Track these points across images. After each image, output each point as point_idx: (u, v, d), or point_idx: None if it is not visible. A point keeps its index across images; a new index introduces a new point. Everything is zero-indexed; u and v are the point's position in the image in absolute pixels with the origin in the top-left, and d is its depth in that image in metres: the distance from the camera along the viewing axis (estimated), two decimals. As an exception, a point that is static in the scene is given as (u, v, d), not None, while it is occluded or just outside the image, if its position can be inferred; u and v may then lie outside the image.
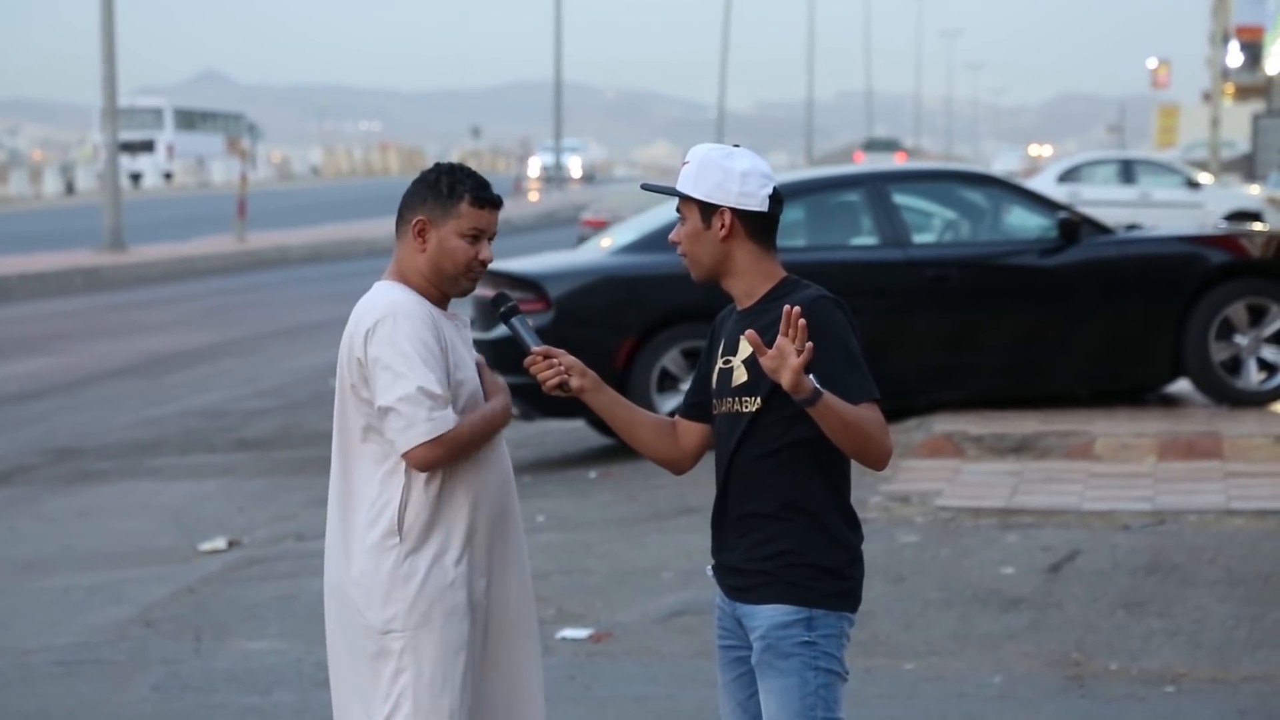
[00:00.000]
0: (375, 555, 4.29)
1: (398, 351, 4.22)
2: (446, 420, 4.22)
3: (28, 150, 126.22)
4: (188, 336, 21.30)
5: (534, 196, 60.69)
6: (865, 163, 52.48)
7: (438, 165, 4.41)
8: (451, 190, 4.34)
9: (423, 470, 4.27)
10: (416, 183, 4.40)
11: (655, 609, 8.26)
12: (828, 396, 4.00)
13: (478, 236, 4.35)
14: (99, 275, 30.12)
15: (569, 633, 7.97)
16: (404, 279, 4.37)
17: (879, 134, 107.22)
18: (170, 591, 9.09)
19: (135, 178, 67.23)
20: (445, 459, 4.25)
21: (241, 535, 10.47)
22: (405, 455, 4.24)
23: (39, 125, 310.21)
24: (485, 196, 4.36)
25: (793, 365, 3.91)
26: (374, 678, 4.32)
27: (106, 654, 7.96)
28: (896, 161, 60.33)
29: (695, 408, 4.38)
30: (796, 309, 3.94)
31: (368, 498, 4.32)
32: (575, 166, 78.20)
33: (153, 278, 31.14)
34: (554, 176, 67.52)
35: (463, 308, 4.40)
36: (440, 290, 4.38)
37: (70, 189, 63.82)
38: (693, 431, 4.39)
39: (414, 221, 4.35)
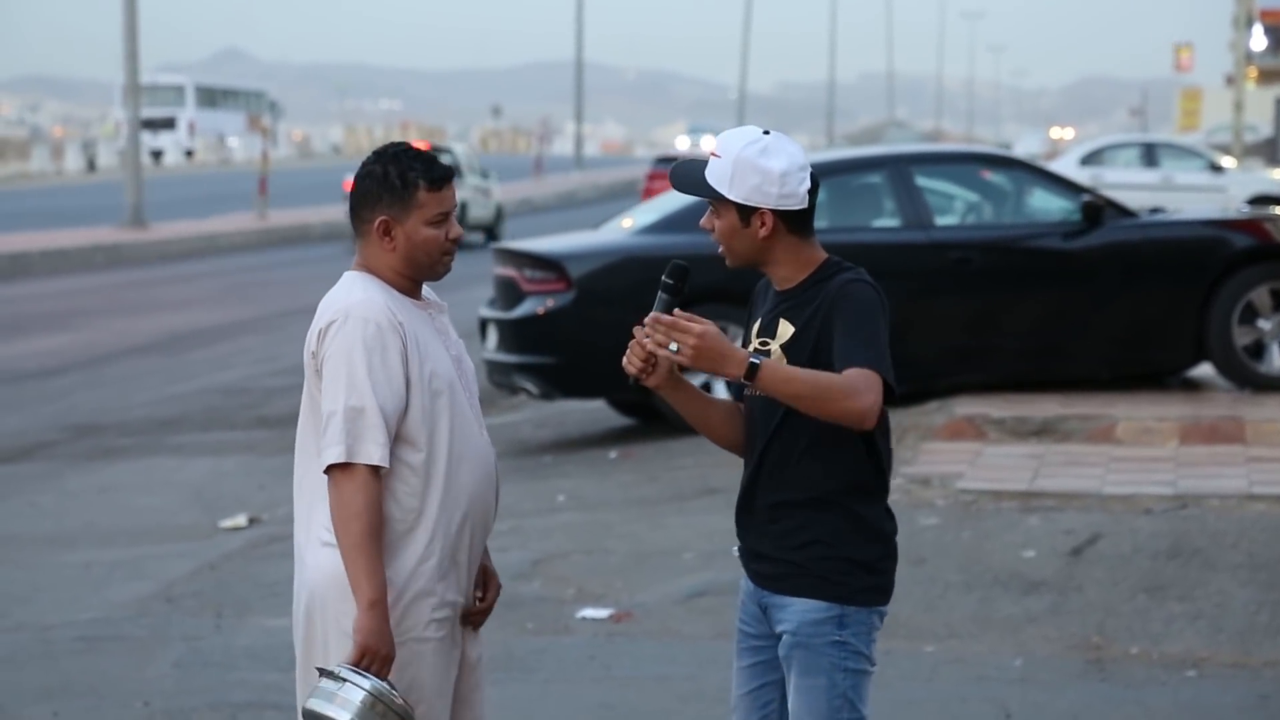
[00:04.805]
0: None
1: (344, 359, 4.03)
2: (368, 453, 3.97)
3: (49, 126, 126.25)
4: (209, 314, 21.34)
5: None
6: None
7: (378, 154, 4.16)
8: (404, 181, 4.11)
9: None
10: (364, 178, 4.15)
11: (676, 589, 8.26)
12: (769, 369, 3.87)
13: (444, 219, 4.15)
14: (120, 252, 30.18)
15: (589, 612, 7.97)
16: (374, 273, 4.17)
17: (900, 119, 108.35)
18: (191, 568, 9.12)
19: (156, 155, 67.39)
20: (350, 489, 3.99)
21: (262, 512, 10.49)
22: (323, 469, 4.03)
23: (60, 102, 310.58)
24: (438, 176, 4.14)
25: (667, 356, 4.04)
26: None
27: (128, 630, 7.98)
28: None
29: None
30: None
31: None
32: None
33: (174, 255, 31.20)
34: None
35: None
36: (415, 281, 4.19)
37: (92, 166, 63.93)
38: None
39: (376, 223, 4.13)
